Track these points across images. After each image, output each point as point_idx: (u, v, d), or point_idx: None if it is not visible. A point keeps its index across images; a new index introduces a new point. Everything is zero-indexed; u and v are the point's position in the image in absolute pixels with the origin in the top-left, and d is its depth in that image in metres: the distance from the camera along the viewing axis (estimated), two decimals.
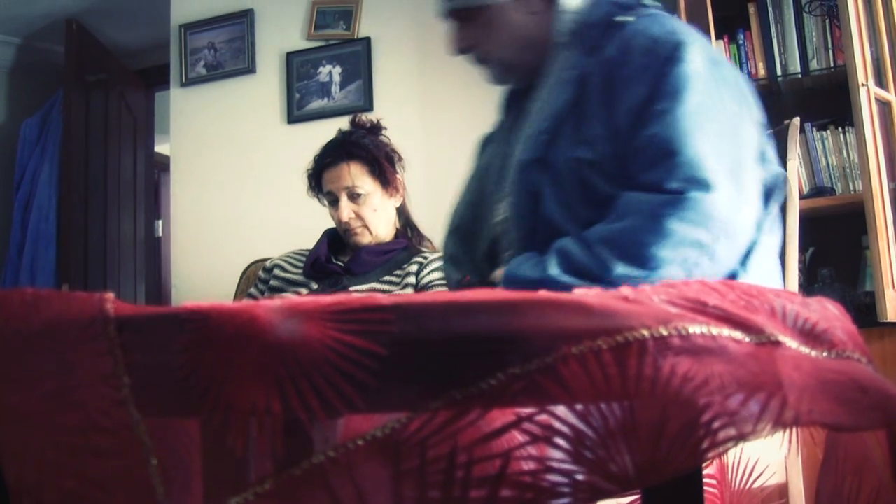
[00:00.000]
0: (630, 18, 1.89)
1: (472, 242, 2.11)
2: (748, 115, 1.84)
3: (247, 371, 0.75)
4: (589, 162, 1.82)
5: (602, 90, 1.84)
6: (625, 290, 0.82)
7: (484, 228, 2.06)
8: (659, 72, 1.78)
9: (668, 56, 1.78)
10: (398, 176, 2.89)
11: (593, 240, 1.71)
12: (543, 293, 0.79)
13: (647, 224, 1.66)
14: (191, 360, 0.78)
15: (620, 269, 1.66)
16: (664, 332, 0.77)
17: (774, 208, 1.88)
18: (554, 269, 1.70)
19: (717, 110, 1.76)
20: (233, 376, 0.76)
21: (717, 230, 1.66)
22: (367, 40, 4.64)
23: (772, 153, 1.90)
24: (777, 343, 0.83)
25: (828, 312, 0.94)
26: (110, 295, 0.85)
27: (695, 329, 0.79)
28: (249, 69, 4.86)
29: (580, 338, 0.76)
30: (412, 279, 2.70)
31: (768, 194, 1.86)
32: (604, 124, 1.82)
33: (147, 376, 0.82)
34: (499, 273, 1.93)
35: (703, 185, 1.67)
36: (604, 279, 1.65)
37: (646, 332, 0.77)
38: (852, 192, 3.39)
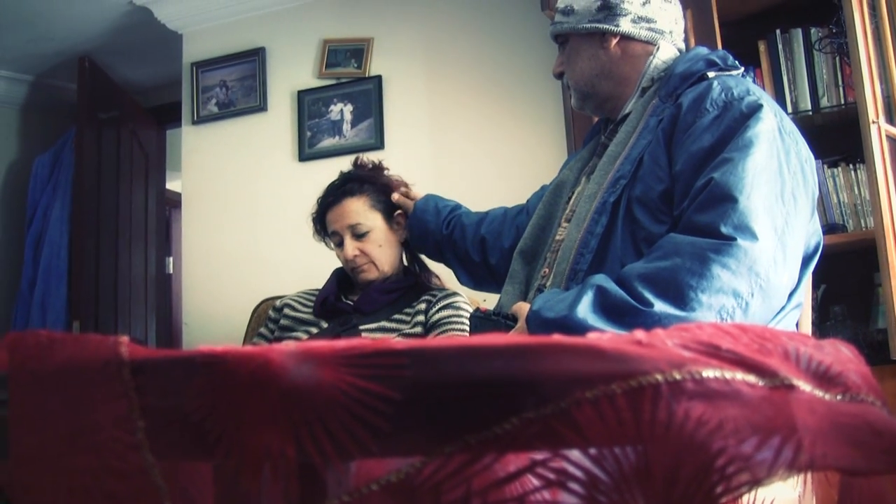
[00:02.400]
0: (712, 74, 2.00)
1: (531, 262, 2.20)
2: (806, 187, 1.90)
3: (261, 415, 0.75)
4: (638, 198, 1.91)
5: (668, 132, 1.94)
6: (638, 334, 0.82)
7: (544, 251, 2.16)
8: (733, 126, 1.86)
9: (745, 113, 1.87)
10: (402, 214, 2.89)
11: (633, 275, 1.76)
12: (557, 337, 0.79)
13: (693, 266, 1.70)
14: (205, 404, 0.78)
15: (660, 305, 1.69)
16: (678, 377, 0.77)
17: (807, 279, 1.94)
18: (583, 307, 1.73)
19: (778, 174, 1.83)
20: (247, 420, 0.76)
21: (755, 285, 1.71)
22: (379, 78, 4.67)
23: (816, 223, 1.98)
24: (791, 386, 0.83)
25: (841, 355, 0.94)
26: (125, 338, 0.86)
27: (708, 373, 0.79)
28: (261, 107, 4.89)
29: (594, 382, 0.76)
30: (422, 317, 2.70)
31: (805, 262, 1.93)
32: (659, 164, 1.92)
33: (162, 420, 0.82)
34: (517, 306, 1.95)
35: (751, 235, 1.72)
36: (640, 315, 1.69)
37: (659, 377, 0.77)
38: (864, 229, 3.38)
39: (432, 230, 2.69)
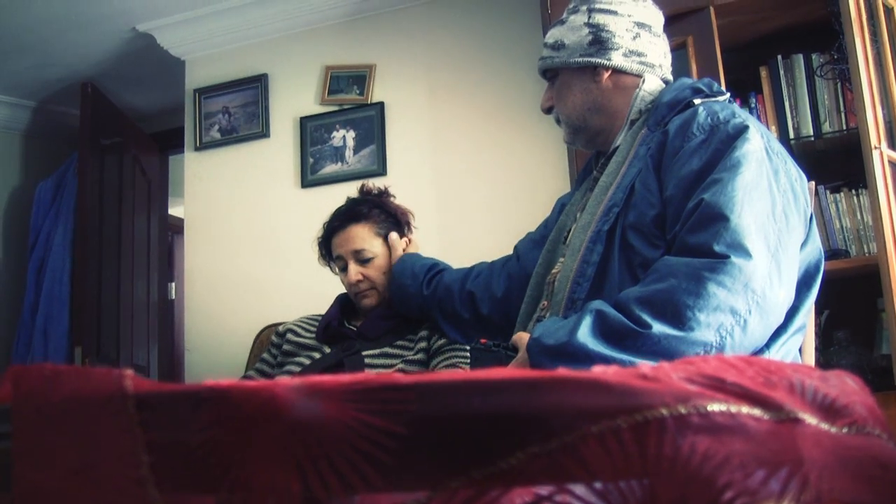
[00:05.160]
0: (698, 101, 2.02)
1: (536, 305, 2.21)
2: (797, 204, 1.92)
3: (266, 450, 0.75)
4: (631, 225, 1.93)
5: (656, 159, 1.97)
6: (644, 368, 0.81)
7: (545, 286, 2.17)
8: (721, 148, 1.88)
9: (732, 134, 1.89)
10: (407, 237, 2.89)
11: (630, 299, 1.77)
12: (562, 371, 0.79)
13: (689, 286, 1.71)
14: (210, 439, 0.77)
15: (658, 326, 1.70)
16: (683, 411, 0.77)
17: (809, 301, 1.94)
18: (583, 332, 1.74)
19: (768, 192, 1.84)
20: (252, 455, 0.76)
21: (752, 302, 1.72)
22: (381, 105, 4.67)
23: (816, 241, 1.99)
24: (797, 420, 0.83)
25: (847, 387, 0.93)
26: (129, 371, 0.85)
27: (714, 407, 0.79)
28: (263, 133, 4.90)
29: (599, 417, 0.76)
30: (424, 343, 2.70)
31: (808, 282, 1.94)
32: (650, 190, 1.94)
33: (166, 454, 0.81)
34: (517, 336, 1.96)
35: (745, 253, 1.73)
36: (639, 338, 1.70)
37: (665, 411, 0.77)
38: (867, 255, 3.38)
39: (412, 293, 2.69)
